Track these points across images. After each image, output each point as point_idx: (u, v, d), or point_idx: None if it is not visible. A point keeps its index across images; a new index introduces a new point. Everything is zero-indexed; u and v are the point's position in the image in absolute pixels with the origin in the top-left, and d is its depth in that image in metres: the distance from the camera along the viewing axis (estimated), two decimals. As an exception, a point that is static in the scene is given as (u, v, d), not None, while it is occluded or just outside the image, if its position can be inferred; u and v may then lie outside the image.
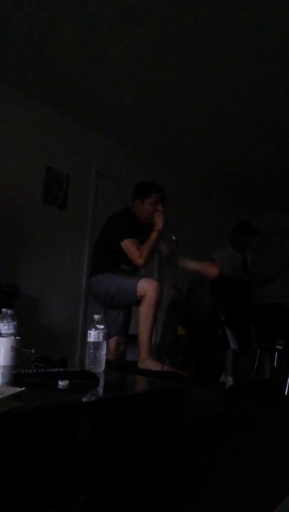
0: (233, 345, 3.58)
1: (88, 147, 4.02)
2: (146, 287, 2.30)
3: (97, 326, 1.66)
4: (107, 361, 1.70)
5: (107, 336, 1.70)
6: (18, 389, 1.13)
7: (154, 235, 2.48)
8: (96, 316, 1.69)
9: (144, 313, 2.29)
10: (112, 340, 2.58)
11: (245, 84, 3.19)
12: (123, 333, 2.61)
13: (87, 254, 3.92)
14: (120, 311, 2.60)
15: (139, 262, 2.42)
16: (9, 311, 1.58)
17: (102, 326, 1.67)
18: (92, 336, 1.65)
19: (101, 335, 1.65)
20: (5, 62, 3.14)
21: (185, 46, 2.83)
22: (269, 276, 3.94)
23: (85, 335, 2.02)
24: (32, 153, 3.58)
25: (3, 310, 1.58)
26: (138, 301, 2.33)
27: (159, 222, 2.50)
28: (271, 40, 2.72)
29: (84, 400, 1.24)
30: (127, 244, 2.45)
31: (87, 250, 3.94)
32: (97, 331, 1.65)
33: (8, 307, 1.60)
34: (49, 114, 3.71)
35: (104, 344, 1.67)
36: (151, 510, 1.14)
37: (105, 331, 1.68)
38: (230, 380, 3.57)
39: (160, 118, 3.81)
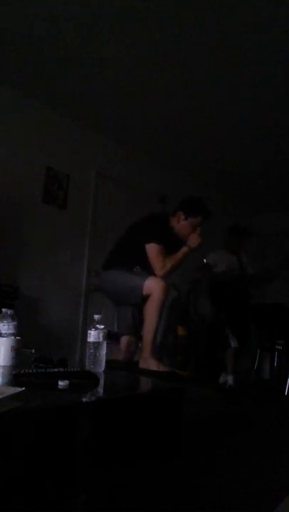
0: (233, 343, 3.59)
1: (88, 147, 4.01)
2: (154, 287, 2.28)
3: (97, 326, 1.66)
4: (107, 361, 1.70)
5: (106, 336, 1.70)
6: (18, 389, 1.13)
7: (184, 250, 2.42)
8: (96, 316, 1.69)
9: (151, 313, 2.28)
10: (124, 340, 2.55)
11: (245, 84, 3.19)
12: (134, 333, 2.57)
13: (87, 254, 3.93)
14: (130, 310, 2.55)
15: (160, 273, 2.36)
16: (9, 311, 1.58)
17: (102, 326, 1.67)
18: (92, 336, 1.65)
19: (101, 335, 1.65)
20: (5, 62, 3.14)
21: (185, 46, 2.83)
22: (269, 275, 3.93)
23: (85, 335, 2.01)
24: (32, 153, 3.58)
25: (3, 310, 1.58)
26: (143, 300, 2.31)
27: (194, 240, 2.43)
28: (271, 40, 2.72)
29: (84, 400, 1.24)
30: (153, 250, 2.39)
31: (87, 250, 3.94)
32: (97, 331, 1.65)
33: (8, 307, 1.60)
34: (49, 114, 3.71)
35: (105, 344, 1.67)
36: (151, 510, 1.13)
37: (105, 330, 1.68)
38: (230, 380, 3.57)
39: (160, 118, 3.81)
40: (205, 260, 3.80)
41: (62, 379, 1.24)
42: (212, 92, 3.35)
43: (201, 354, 4.52)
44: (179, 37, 2.74)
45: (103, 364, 1.66)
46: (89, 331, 1.66)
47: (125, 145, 4.29)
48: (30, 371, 1.34)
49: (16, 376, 1.29)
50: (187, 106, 3.58)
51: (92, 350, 1.64)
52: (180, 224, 2.53)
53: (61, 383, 1.23)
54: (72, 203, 3.86)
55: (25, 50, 2.99)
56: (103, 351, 1.66)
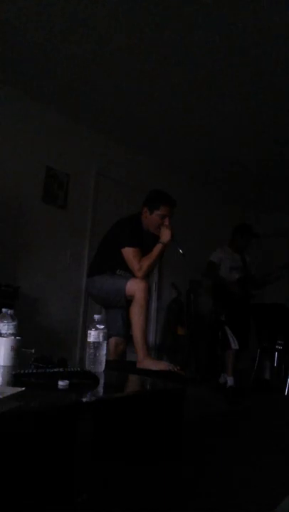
0: (234, 345, 3.59)
1: (88, 147, 4.01)
2: (135, 288, 2.30)
3: (97, 326, 1.66)
4: (106, 361, 1.70)
5: (107, 336, 1.70)
6: (18, 389, 1.13)
7: (158, 248, 2.42)
8: (96, 316, 1.69)
9: (136, 314, 2.29)
10: (112, 341, 2.57)
11: (245, 84, 3.19)
12: (122, 334, 2.60)
13: (87, 254, 3.93)
14: (119, 312, 2.58)
15: (138, 274, 2.36)
16: (9, 311, 1.58)
17: (102, 326, 1.67)
18: (92, 336, 1.65)
19: (101, 335, 1.65)
20: (5, 62, 3.14)
21: (185, 46, 2.83)
22: (268, 279, 3.93)
23: (85, 335, 2.01)
24: (32, 153, 3.58)
25: (3, 310, 1.58)
26: (128, 301, 2.33)
27: (165, 235, 2.42)
28: (271, 40, 2.71)
29: (84, 400, 1.24)
30: (128, 254, 2.40)
31: (87, 250, 3.94)
32: (97, 331, 1.65)
33: (8, 307, 1.60)
34: (49, 114, 3.71)
35: (105, 344, 1.67)
36: (151, 510, 1.14)
37: (105, 330, 1.68)
38: (230, 380, 3.57)
39: (160, 118, 3.81)
40: (210, 258, 3.80)
41: (62, 379, 1.24)
42: (212, 92, 3.35)
43: (201, 354, 4.53)
44: (179, 37, 2.74)
45: (103, 364, 1.66)
46: (89, 331, 1.66)
47: (125, 145, 4.29)
48: (30, 371, 1.34)
49: (16, 376, 1.29)
50: (187, 106, 3.58)
51: (92, 350, 1.64)
52: (147, 220, 2.53)
53: (61, 383, 1.23)
54: (72, 203, 3.86)
55: (26, 50, 2.99)
56: (103, 351, 1.66)
